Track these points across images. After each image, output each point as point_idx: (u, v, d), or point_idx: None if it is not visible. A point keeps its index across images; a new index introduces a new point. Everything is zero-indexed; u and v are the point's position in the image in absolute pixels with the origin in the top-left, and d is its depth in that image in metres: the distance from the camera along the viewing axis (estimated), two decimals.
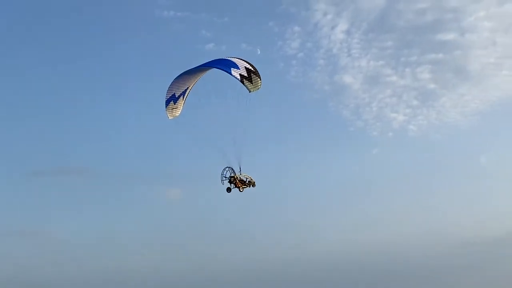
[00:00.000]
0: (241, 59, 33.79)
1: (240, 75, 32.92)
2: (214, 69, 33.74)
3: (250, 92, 33.67)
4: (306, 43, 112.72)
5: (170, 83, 35.30)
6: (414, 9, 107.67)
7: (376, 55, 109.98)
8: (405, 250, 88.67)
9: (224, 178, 38.84)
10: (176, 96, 35.31)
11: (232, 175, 39.02)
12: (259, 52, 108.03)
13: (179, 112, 36.60)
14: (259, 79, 34.05)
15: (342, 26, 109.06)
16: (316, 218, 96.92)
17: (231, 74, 32.66)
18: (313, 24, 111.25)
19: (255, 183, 39.53)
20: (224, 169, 39.11)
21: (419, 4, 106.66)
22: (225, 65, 33.07)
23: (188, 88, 35.81)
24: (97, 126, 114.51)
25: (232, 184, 39.30)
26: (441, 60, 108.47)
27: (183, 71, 35.11)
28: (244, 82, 33.32)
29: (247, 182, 39.73)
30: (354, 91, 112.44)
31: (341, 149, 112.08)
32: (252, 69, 33.78)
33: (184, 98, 35.98)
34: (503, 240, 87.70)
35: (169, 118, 36.74)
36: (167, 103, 35.92)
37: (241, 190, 39.63)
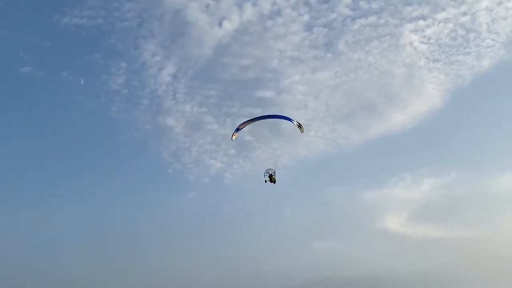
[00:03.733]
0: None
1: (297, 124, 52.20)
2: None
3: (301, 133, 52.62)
4: (131, 80, 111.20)
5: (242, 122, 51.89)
6: (238, 64, 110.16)
7: (200, 102, 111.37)
8: None
9: None
10: (239, 129, 52.27)
11: None
12: (82, 82, 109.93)
13: (234, 138, 52.39)
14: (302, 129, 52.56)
15: (170, 69, 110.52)
16: (128, 259, 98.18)
17: (292, 122, 52.00)
18: (141, 63, 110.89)
19: None
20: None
21: (243, 60, 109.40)
22: (288, 118, 51.80)
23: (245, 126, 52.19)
24: None
25: None
26: (258, 115, 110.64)
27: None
28: (300, 128, 52.21)
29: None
30: (175, 134, 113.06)
31: (158, 190, 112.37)
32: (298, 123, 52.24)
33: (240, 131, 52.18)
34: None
35: (232, 139, 52.24)
36: (235, 131, 51.79)
37: None
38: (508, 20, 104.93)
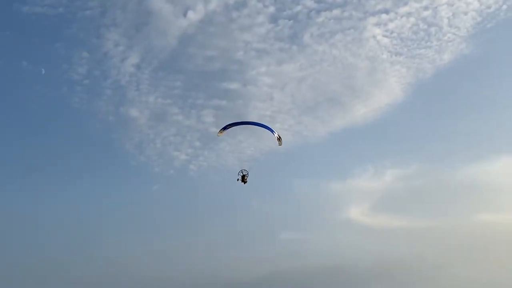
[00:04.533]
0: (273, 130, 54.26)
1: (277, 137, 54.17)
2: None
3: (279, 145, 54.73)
4: (93, 70, 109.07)
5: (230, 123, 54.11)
6: (203, 55, 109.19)
7: (164, 93, 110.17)
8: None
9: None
10: (225, 128, 54.24)
11: None
12: (43, 72, 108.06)
13: (220, 135, 54.67)
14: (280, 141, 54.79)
15: (133, 59, 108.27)
16: (89, 253, 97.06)
17: (273, 134, 53.61)
18: (103, 53, 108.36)
19: None
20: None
21: (208, 51, 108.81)
22: (270, 129, 53.81)
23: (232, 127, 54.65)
24: None
25: None
26: (224, 106, 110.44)
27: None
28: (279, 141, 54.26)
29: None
30: (139, 126, 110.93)
31: (122, 182, 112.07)
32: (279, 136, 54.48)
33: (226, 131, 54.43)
34: (266, 279, 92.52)
35: (217, 135, 54.51)
36: (221, 129, 53.89)
37: None
38: (468, 14, 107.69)
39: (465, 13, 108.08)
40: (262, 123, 54.50)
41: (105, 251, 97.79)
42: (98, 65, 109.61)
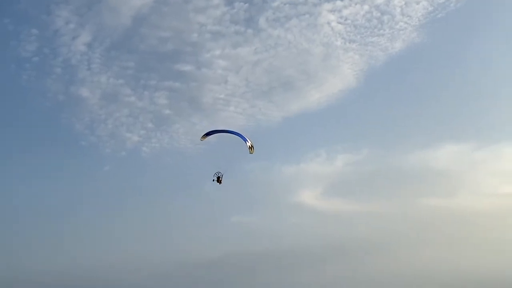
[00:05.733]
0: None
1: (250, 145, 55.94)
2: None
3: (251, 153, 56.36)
4: (43, 48, 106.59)
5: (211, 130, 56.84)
6: (157, 36, 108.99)
7: (117, 73, 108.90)
8: (130, 269, 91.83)
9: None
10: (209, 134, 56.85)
11: None
12: None
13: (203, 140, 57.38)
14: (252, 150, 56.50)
15: (85, 38, 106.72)
16: (38, 235, 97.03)
17: (246, 142, 55.57)
18: (53, 31, 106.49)
19: None
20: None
21: (162, 32, 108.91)
22: (243, 138, 55.99)
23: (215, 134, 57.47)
24: None
25: None
26: (178, 88, 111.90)
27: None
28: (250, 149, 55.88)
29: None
30: (90, 106, 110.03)
31: (71, 163, 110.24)
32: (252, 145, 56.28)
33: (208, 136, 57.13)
34: (218, 261, 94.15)
35: (200, 140, 57.12)
36: (204, 135, 56.61)
37: None
38: (420, 4, 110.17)
39: (417, 3, 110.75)
40: (237, 131, 56.72)
41: (51, 232, 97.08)
42: (48, 43, 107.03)
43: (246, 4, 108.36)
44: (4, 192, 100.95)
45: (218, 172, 57.98)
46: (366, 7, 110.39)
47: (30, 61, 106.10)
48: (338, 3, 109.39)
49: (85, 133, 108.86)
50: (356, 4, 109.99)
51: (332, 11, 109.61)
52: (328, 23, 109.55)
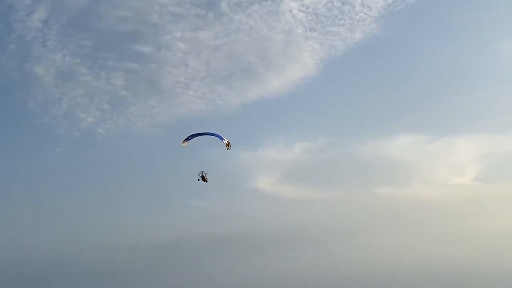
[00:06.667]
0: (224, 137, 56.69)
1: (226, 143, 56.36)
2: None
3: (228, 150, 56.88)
4: None
5: (191, 134, 56.47)
6: (115, 14, 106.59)
7: (73, 52, 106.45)
8: (80, 251, 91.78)
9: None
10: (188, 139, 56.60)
11: None
12: None
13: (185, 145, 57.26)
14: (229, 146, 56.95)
15: (40, 14, 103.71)
16: None
17: (222, 141, 55.63)
18: (8, 5, 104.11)
19: None
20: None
21: (121, 11, 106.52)
22: (219, 137, 56.01)
23: (194, 138, 56.97)
24: None
25: None
26: (136, 69, 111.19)
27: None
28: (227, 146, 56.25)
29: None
30: (44, 84, 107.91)
31: (23, 143, 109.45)
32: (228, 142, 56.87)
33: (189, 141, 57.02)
34: (173, 245, 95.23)
35: (182, 145, 56.87)
36: (185, 140, 56.24)
37: None
38: None
39: None
40: (215, 133, 56.60)
41: (5, 215, 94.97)
42: (2, 18, 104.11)
43: None
44: None
45: (202, 172, 57.79)
46: None
47: None
48: None
49: (39, 112, 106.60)
50: None
51: None
52: (290, 10, 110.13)
